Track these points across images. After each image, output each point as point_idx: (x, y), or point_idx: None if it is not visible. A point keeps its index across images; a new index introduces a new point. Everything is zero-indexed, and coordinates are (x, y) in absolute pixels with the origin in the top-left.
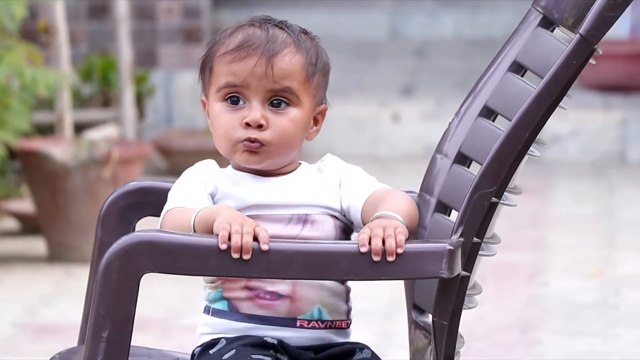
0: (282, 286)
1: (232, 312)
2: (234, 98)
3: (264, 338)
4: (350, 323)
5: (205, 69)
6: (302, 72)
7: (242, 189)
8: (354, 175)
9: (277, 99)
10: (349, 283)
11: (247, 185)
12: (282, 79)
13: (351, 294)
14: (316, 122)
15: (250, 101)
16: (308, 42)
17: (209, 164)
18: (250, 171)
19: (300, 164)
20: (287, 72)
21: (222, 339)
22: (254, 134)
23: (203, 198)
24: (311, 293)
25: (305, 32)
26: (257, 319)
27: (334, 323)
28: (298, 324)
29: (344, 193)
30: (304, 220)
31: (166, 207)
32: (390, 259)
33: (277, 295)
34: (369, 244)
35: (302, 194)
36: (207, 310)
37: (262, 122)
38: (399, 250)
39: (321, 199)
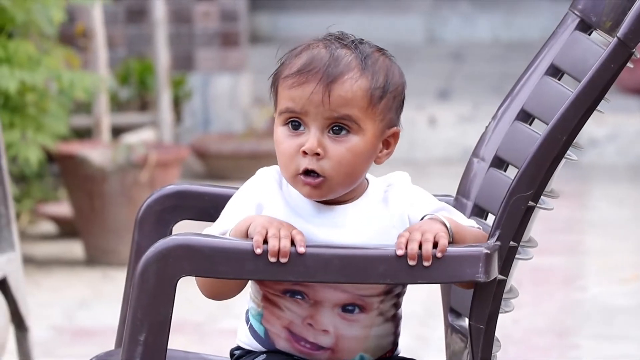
0: (324, 339)
1: (269, 343)
2: (295, 123)
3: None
4: (396, 348)
5: (273, 88)
6: (364, 98)
7: (294, 216)
8: (420, 208)
9: (338, 125)
10: (400, 310)
11: (301, 214)
12: (341, 107)
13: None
14: (387, 145)
15: (309, 127)
16: (378, 64)
17: (270, 174)
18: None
19: (367, 184)
20: (345, 99)
21: (262, 354)
22: (311, 164)
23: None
24: (355, 344)
25: (379, 50)
26: (294, 357)
27: (378, 358)
28: None
29: (408, 224)
30: None
31: (211, 228)
32: (426, 263)
33: (318, 347)
34: (406, 248)
35: (357, 234)
36: (247, 320)
37: (319, 150)
38: (439, 255)
39: (379, 238)
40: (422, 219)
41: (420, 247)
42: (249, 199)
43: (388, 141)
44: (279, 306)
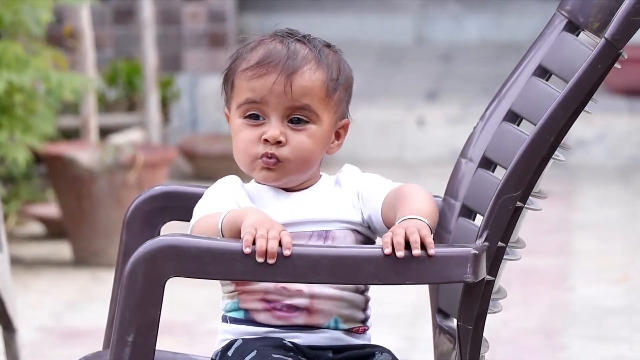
0: (299, 300)
1: (249, 321)
2: (253, 115)
3: (283, 341)
4: (367, 329)
5: (227, 83)
6: (322, 88)
7: (263, 208)
8: (369, 183)
9: (296, 117)
10: (374, 292)
11: (268, 203)
12: (301, 97)
13: (375, 301)
14: (338, 136)
15: (270, 118)
16: (330, 57)
17: (232, 180)
18: (270, 185)
19: (320, 176)
20: (306, 89)
21: (239, 339)
22: (272, 149)
23: (232, 205)
24: (329, 305)
25: (328, 46)
26: (274, 327)
27: (351, 329)
28: (314, 331)
29: (363, 203)
30: (324, 236)
31: (193, 219)
32: (416, 252)
33: (294, 308)
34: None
35: (322, 209)
36: (224, 319)
37: (281, 138)
38: (431, 252)
39: (341, 214)
40: (397, 222)
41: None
42: (219, 192)
43: (339, 132)
44: (251, 282)
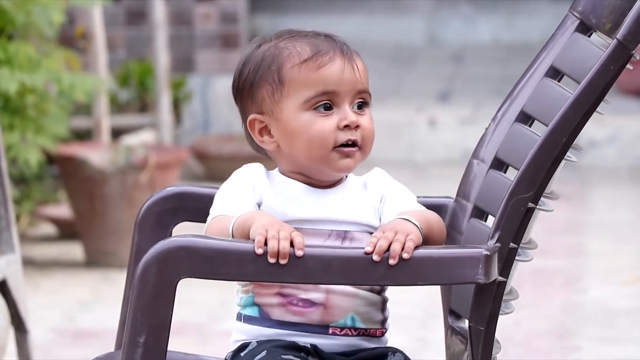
0: (315, 294)
1: (263, 319)
2: (327, 105)
3: (297, 342)
4: (386, 332)
5: (263, 87)
6: (367, 72)
7: (286, 201)
8: (395, 193)
9: (360, 102)
10: (386, 294)
11: (292, 198)
12: (364, 81)
13: (388, 304)
14: None
15: (339, 106)
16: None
17: (257, 168)
18: (299, 179)
19: (347, 176)
20: (365, 72)
21: (253, 342)
22: (353, 135)
23: (249, 204)
24: (345, 302)
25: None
26: (288, 325)
27: (368, 331)
28: (330, 332)
29: (383, 209)
30: (343, 236)
31: (212, 213)
32: (392, 262)
33: (310, 303)
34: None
35: (344, 210)
36: (239, 317)
37: (358, 122)
38: (405, 256)
39: (362, 216)
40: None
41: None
42: (241, 181)
43: None
44: None
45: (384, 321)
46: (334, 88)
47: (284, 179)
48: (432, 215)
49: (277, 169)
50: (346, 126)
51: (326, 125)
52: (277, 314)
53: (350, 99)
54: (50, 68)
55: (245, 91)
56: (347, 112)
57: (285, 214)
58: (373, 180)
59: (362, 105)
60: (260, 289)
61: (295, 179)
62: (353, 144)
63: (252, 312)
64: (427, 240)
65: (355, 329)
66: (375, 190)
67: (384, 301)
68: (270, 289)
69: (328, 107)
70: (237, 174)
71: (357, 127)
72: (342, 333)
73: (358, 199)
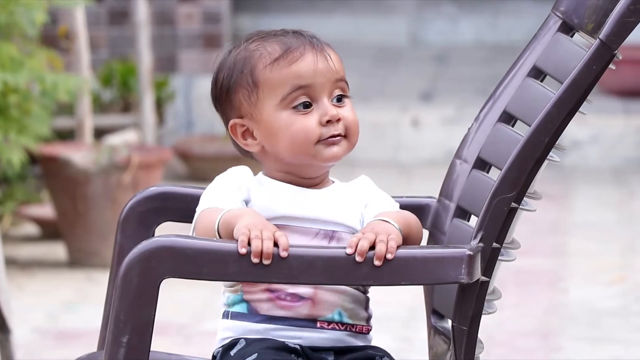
0: (303, 289)
1: (252, 314)
2: (306, 103)
3: (286, 342)
4: (371, 329)
5: (239, 91)
6: (342, 62)
7: (274, 199)
8: (378, 200)
9: (338, 95)
10: (370, 294)
11: (279, 195)
12: (340, 69)
13: (371, 302)
14: None
15: (318, 101)
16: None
17: (243, 170)
18: (286, 179)
19: (333, 182)
20: (339, 62)
21: (242, 340)
22: (337, 129)
23: (236, 200)
24: (332, 297)
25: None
26: (276, 320)
27: (355, 327)
28: (318, 325)
29: (366, 215)
30: (330, 236)
31: (199, 208)
32: (377, 263)
33: (299, 297)
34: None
35: (331, 211)
36: (225, 315)
37: (340, 115)
38: (389, 256)
39: (348, 219)
40: (370, 221)
41: (373, 247)
42: (229, 180)
43: None
44: None
45: (368, 319)
46: (308, 81)
47: (271, 181)
48: (411, 216)
49: (261, 172)
50: (328, 121)
51: (307, 123)
52: (266, 308)
53: (328, 91)
54: (32, 68)
55: (222, 98)
56: (326, 107)
57: (273, 210)
58: (358, 187)
59: (342, 98)
60: (249, 287)
61: (282, 180)
62: (338, 135)
63: (240, 308)
64: (406, 240)
65: (343, 323)
66: (359, 197)
67: (368, 299)
68: (258, 285)
69: (307, 105)
70: (221, 176)
71: (339, 120)
72: (329, 327)
73: (344, 202)
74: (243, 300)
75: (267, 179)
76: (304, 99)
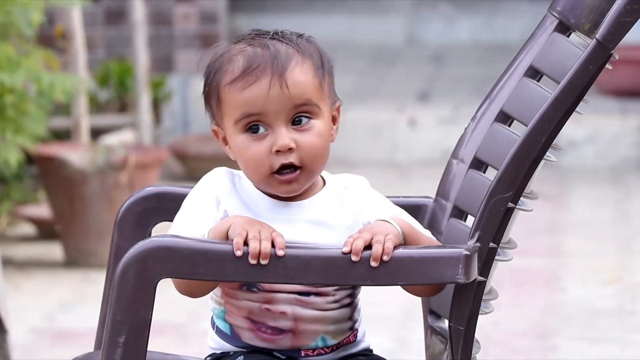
0: (283, 322)
1: (235, 339)
2: (254, 127)
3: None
4: (357, 332)
5: (212, 99)
6: (314, 78)
7: (254, 217)
8: (376, 211)
9: (299, 117)
10: (366, 294)
11: (257, 214)
12: (301, 94)
13: (367, 303)
14: (334, 120)
15: (273, 127)
16: (308, 46)
17: (222, 178)
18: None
19: (323, 182)
20: (302, 84)
21: (231, 352)
22: (287, 158)
23: (209, 227)
24: (313, 326)
25: (300, 36)
26: (260, 349)
27: (341, 343)
28: (303, 354)
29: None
30: None
31: (174, 229)
32: (373, 264)
33: (279, 331)
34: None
35: (311, 233)
36: (213, 325)
37: (292, 145)
38: (385, 258)
39: (332, 239)
40: (375, 220)
41: (370, 247)
42: (206, 194)
43: (334, 116)
44: (236, 297)
45: (353, 324)
46: (259, 109)
47: (252, 189)
48: (424, 234)
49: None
50: (278, 151)
51: (258, 150)
52: (247, 337)
53: (285, 117)
54: (29, 68)
55: (205, 99)
56: (277, 135)
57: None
58: (351, 196)
59: (303, 120)
60: (231, 307)
61: (261, 190)
62: (292, 165)
63: (224, 327)
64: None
65: (328, 347)
66: (352, 208)
67: (355, 308)
68: (240, 310)
69: (256, 129)
70: (201, 183)
71: (291, 149)
72: (315, 354)
73: (329, 219)
74: (225, 320)
75: (248, 184)
76: (255, 125)
